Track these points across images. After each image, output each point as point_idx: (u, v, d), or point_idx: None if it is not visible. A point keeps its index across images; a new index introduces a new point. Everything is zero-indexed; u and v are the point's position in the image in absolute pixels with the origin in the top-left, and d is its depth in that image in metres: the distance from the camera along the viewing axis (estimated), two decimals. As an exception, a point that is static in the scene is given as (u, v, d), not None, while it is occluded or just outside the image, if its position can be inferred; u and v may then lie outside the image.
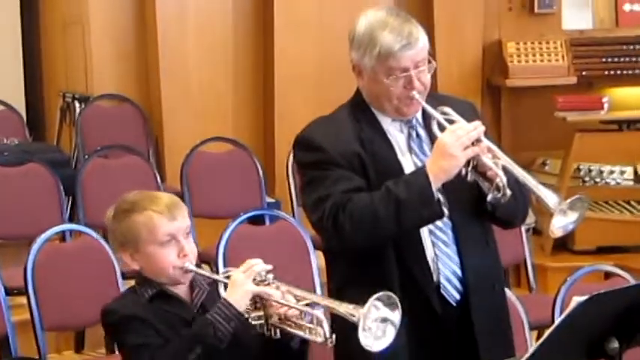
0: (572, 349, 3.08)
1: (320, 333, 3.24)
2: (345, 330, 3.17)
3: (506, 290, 4.36)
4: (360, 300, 3.16)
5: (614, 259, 6.91)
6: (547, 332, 2.96)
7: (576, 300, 2.93)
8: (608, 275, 5.13)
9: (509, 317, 3.78)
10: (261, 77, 7.96)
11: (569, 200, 3.41)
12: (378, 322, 3.17)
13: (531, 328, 4.59)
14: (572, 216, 3.43)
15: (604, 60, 8.35)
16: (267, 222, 6.04)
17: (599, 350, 3.07)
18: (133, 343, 3.31)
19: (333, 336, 3.22)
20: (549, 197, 3.41)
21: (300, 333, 3.30)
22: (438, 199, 3.43)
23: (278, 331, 3.33)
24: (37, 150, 7.16)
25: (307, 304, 3.29)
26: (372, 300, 3.15)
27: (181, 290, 3.44)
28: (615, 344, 3.06)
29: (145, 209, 3.39)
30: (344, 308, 3.19)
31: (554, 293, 4.73)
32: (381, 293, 3.16)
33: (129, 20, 7.78)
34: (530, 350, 3.00)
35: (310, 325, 3.27)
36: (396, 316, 3.19)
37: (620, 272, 4.88)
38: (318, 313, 3.25)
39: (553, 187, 7.76)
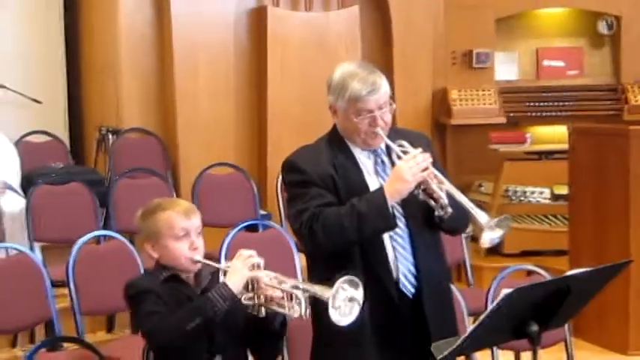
0: (501, 331, 3.08)
1: (297, 310, 3.24)
2: (321, 310, 3.19)
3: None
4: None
5: (535, 260, 6.88)
6: (481, 317, 2.95)
7: (504, 291, 2.93)
8: (529, 273, 5.12)
9: (454, 306, 3.77)
10: (257, 115, 7.94)
11: (496, 219, 3.43)
12: (345, 301, 3.17)
13: (469, 315, 4.59)
14: (499, 232, 3.44)
15: (527, 104, 8.40)
16: (261, 230, 6.01)
17: (522, 332, 3.07)
18: (147, 310, 3.29)
19: (308, 311, 3.22)
20: (481, 216, 3.43)
21: (282, 310, 3.29)
22: (393, 214, 3.42)
23: (263, 310, 3.31)
24: (78, 172, 7.14)
25: (290, 287, 3.28)
26: (338, 282, 3.15)
27: (189, 277, 3.43)
28: (535, 327, 3.06)
29: (166, 209, 3.40)
30: (317, 289, 3.19)
31: (487, 287, 4.73)
32: (345, 277, 3.17)
33: (152, 68, 7.74)
34: (468, 331, 3.00)
35: (289, 304, 3.26)
36: (359, 293, 3.18)
37: (539, 271, 4.87)
38: (298, 292, 3.24)
39: (487, 204, 7.85)
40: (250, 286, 3.31)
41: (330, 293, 3.13)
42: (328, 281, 3.39)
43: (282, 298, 3.28)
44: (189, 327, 3.20)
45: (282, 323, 3.38)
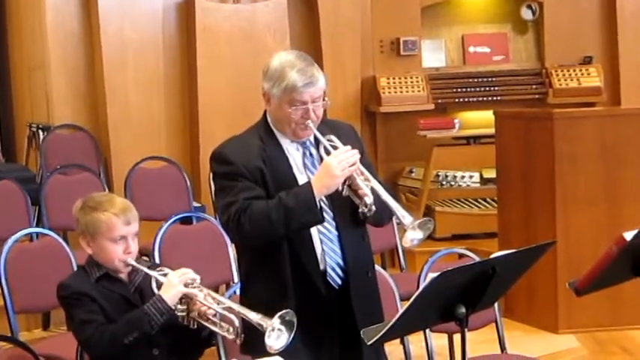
0: (429, 314, 3.09)
1: (231, 331, 3.26)
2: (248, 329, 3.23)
3: (382, 269, 4.39)
4: (263, 293, 3.34)
5: (466, 243, 6.99)
6: (409, 301, 2.95)
7: (430, 276, 2.93)
8: (461, 256, 5.16)
9: (379, 295, 3.76)
10: (188, 108, 7.91)
11: (419, 221, 3.43)
12: (276, 330, 3.18)
13: (402, 299, 4.59)
14: (420, 233, 3.45)
15: (455, 90, 8.43)
16: (194, 222, 5.99)
17: (450, 315, 3.08)
18: (81, 318, 3.29)
19: (242, 335, 3.24)
20: (405, 217, 3.42)
21: (214, 328, 3.31)
22: (320, 208, 3.41)
23: (196, 323, 3.33)
24: (9, 169, 7.06)
25: (224, 308, 3.28)
26: (277, 316, 3.17)
27: (123, 273, 3.43)
28: (462, 309, 3.07)
29: (107, 210, 3.38)
30: (255, 317, 3.19)
31: (419, 271, 4.75)
32: (283, 311, 3.18)
33: (81, 65, 7.68)
34: (397, 315, 2.99)
35: (223, 324, 3.28)
36: (289, 327, 3.19)
37: (469, 254, 4.91)
38: (232, 316, 3.24)
39: (418, 190, 7.92)
40: (184, 300, 3.32)
41: (268, 324, 3.15)
42: (255, 272, 3.43)
43: (215, 315, 3.29)
44: (127, 340, 3.24)
45: (210, 332, 3.39)
